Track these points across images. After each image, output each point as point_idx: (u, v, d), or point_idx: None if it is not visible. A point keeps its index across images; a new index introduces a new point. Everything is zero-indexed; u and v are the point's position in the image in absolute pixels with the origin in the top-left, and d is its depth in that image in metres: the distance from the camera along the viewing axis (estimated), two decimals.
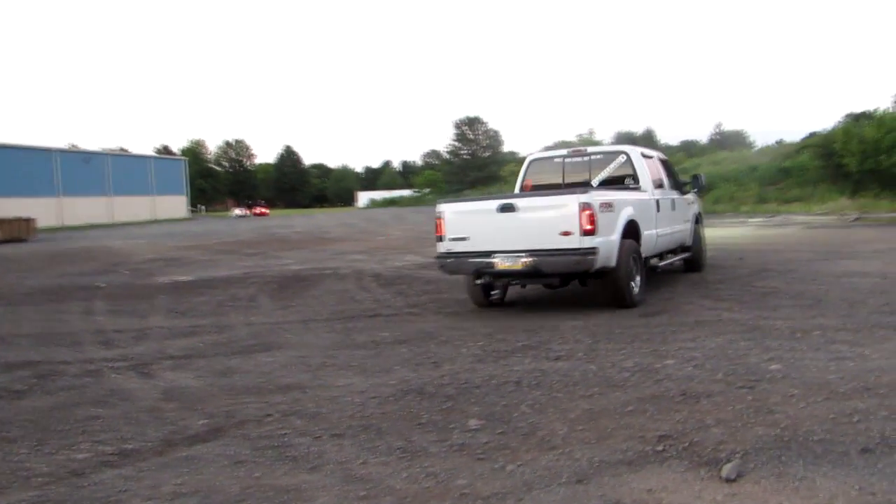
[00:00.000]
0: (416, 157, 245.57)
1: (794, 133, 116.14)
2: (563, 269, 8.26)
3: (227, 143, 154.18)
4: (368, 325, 8.56)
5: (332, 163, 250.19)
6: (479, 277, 8.89)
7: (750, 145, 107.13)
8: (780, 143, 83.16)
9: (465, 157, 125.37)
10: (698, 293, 9.67)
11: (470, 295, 9.58)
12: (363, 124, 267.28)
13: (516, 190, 10.78)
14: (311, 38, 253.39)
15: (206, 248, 25.84)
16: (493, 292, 9.57)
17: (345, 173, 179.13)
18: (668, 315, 8.09)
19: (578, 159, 10.51)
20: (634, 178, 10.08)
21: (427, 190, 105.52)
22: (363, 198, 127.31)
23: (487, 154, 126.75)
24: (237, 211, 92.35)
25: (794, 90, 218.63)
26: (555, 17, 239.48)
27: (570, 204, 8.10)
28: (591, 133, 61.29)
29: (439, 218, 8.89)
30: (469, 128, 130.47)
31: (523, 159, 11.05)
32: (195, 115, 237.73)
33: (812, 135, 48.45)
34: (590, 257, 8.06)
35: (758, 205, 34.74)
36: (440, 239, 8.90)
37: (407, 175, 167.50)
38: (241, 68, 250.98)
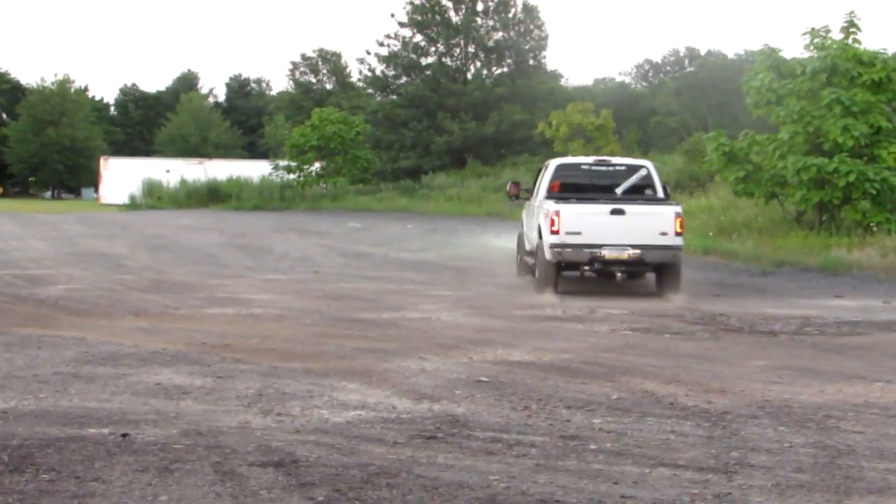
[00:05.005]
0: (269, 69, 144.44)
1: None
2: (660, 260, 15.27)
3: None
4: None
5: (33, 74, 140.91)
6: (590, 265, 15.37)
7: None
8: None
9: (428, 72, 55.96)
10: None
11: (543, 279, 15.60)
12: None
13: (541, 190, 16.75)
14: None
15: None
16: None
17: (63, 99, 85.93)
18: None
19: (603, 168, 17.08)
20: (653, 189, 16.56)
21: (317, 166, 44.80)
22: (121, 173, 59.66)
23: (506, 67, 57.62)
24: None
25: None
26: None
27: (667, 213, 15.28)
28: (849, 24, 23.88)
29: (555, 214, 15.05)
30: None
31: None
32: None
33: None
34: (679, 252, 15.31)
35: None
36: (555, 232, 15.04)
37: (247, 117, 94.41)
38: None
